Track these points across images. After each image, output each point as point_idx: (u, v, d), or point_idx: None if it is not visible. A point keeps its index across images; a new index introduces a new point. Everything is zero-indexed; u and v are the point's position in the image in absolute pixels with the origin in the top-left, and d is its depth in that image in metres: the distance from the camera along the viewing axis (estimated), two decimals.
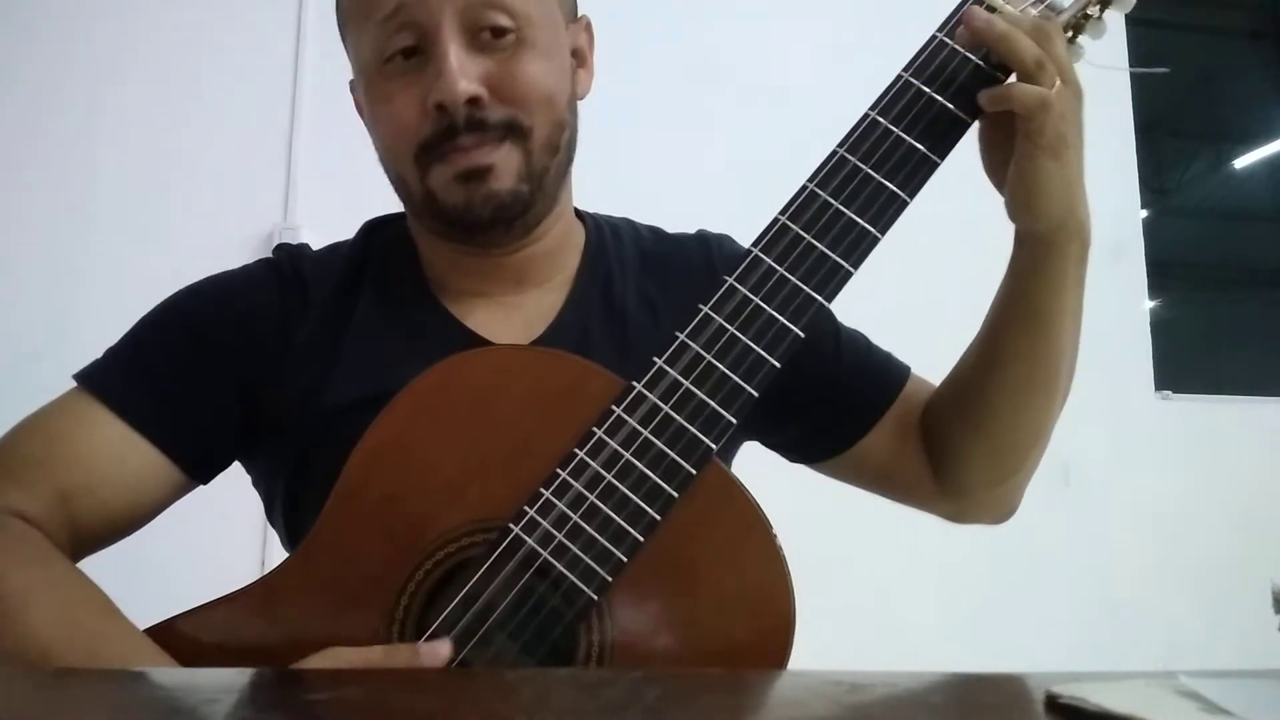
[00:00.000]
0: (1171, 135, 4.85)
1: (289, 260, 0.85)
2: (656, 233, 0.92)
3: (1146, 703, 0.39)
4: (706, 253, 0.89)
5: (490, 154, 0.74)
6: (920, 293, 2.04)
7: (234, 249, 1.97)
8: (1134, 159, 2.60)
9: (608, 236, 0.89)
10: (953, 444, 0.82)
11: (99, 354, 0.80)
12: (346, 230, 0.90)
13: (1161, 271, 2.91)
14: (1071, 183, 0.69)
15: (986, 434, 0.80)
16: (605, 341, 0.81)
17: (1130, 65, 2.46)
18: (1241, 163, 5.04)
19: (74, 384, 0.78)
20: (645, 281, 0.86)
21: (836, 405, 0.86)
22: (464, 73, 0.72)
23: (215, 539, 1.70)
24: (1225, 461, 2.45)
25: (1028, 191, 0.69)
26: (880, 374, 0.88)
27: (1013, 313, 0.76)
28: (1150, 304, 2.61)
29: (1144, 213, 2.68)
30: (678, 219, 0.95)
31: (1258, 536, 2.28)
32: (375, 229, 0.89)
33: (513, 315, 0.82)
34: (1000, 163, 0.71)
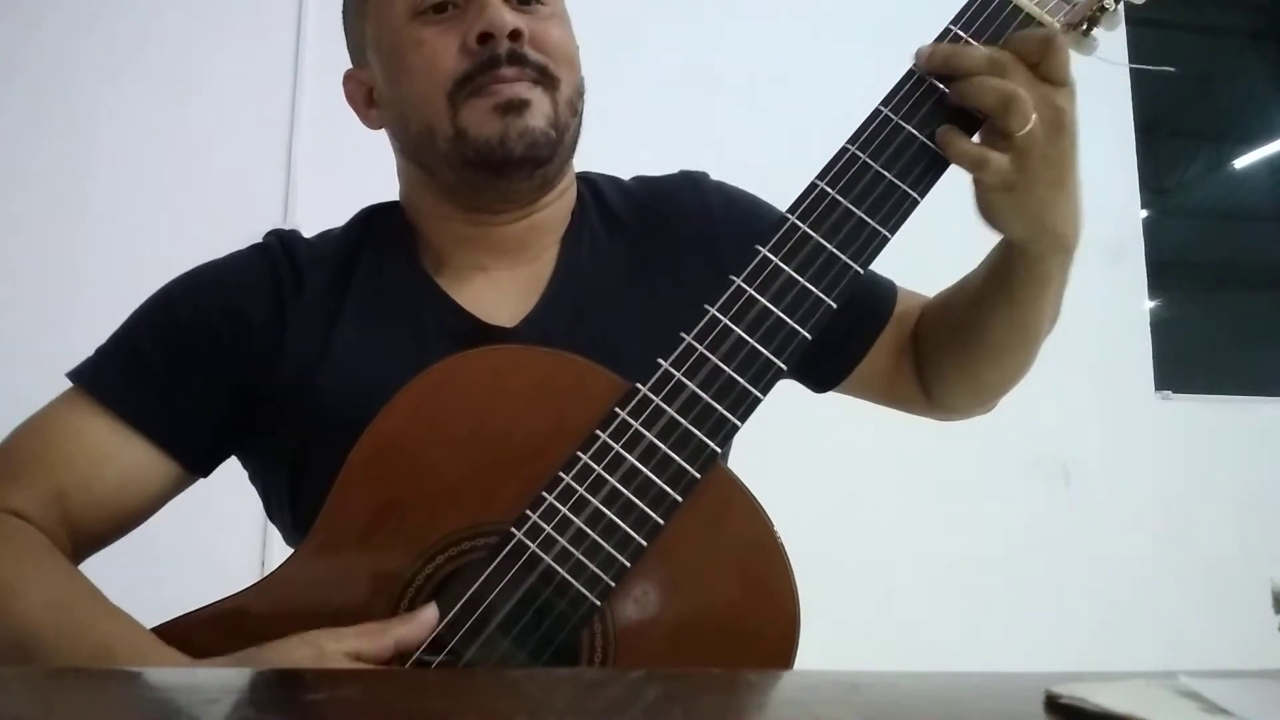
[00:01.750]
0: (1171, 135, 4.85)
1: (280, 245, 0.84)
2: (641, 180, 0.94)
3: (1146, 703, 0.39)
4: (698, 193, 0.91)
5: (529, 90, 0.77)
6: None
7: (233, 249, 1.96)
8: (1134, 159, 2.59)
9: (587, 196, 0.89)
10: (940, 373, 0.87)
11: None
12: None
13: (1161, 271, 2.92)
14: (1041, 208, 0.68)
15: (969, 372, 0.85)
16: (596, 304, 0.82)
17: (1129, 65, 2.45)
18: (1241, 163, 5.05)
19: (69, 383, 0.78)
20: (634, 233, 0.87)
21: (839, 332, 0.85)
22: (507, 10, 0.77)
23: (215, 539, 1.70)
24: (1225, 461, 2.44)
25: (985, 211, 0.70)
26: (874, 294, 0.90)
27: (995, 289, 0.77)
28: (1150, 304, 2.61)
29: (1144, 213, 2.67)
30: None
31: (1258, 536, 2.27)
32: (373, 215, 0.89)
33: (506, 290, 0.82)
34: None
